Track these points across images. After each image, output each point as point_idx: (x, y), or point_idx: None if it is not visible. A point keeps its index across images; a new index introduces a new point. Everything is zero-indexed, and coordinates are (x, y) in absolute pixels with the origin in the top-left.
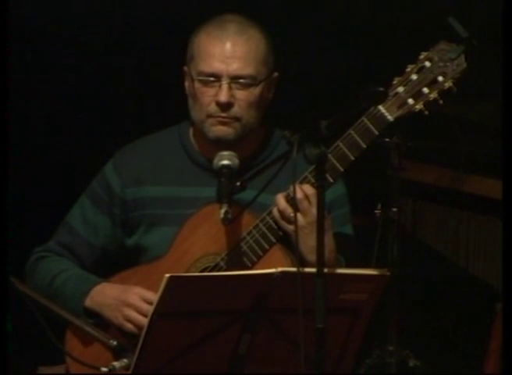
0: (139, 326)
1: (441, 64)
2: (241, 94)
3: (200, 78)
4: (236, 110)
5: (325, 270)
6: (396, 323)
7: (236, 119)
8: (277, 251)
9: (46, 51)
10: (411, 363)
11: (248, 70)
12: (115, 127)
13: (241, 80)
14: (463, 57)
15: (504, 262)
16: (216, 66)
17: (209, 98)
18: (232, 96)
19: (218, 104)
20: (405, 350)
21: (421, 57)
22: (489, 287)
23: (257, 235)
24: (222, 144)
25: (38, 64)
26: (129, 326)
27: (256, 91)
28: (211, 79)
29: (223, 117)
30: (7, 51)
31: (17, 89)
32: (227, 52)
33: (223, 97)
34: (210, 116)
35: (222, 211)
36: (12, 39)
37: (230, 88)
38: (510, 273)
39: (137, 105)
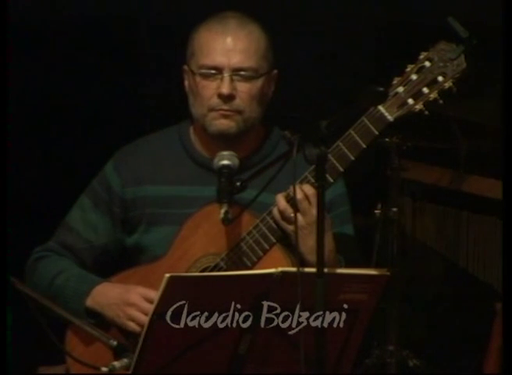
0: (142, 326)
1: (441, 64)
2: (243, 87)
3: (202, 71)
4: (237, 103)
5: (325, 270)
6: (396, 323)
7: (238, 112)
8: (277, 251)
9: (46, 51)
10: (411, 363)
11: (249, 63)
12: (116, 127)
13: (242, 73)
14: (463, 57)
15: (504, 262)
16: (218, 59)
17: (211, 91)
18: (234, 88)
19: (221, 96)
20: (405, 350)
21: (421, 57)
22: (489, 287)
23: (257, 235)
24: (223, 139)
25: (38, 63)
26: (132, 325)
27: (257, 83)
28: (213, 72)
29: (225, 110)
30: (7, 51)
31: (17, 88)
32: (228, 46)
33: (225, 89)
34: (212, 109)
35: (222, 211)
36: (11, 38)
37: (232, 81)
38: (510, 273)
39: (138, 104)
